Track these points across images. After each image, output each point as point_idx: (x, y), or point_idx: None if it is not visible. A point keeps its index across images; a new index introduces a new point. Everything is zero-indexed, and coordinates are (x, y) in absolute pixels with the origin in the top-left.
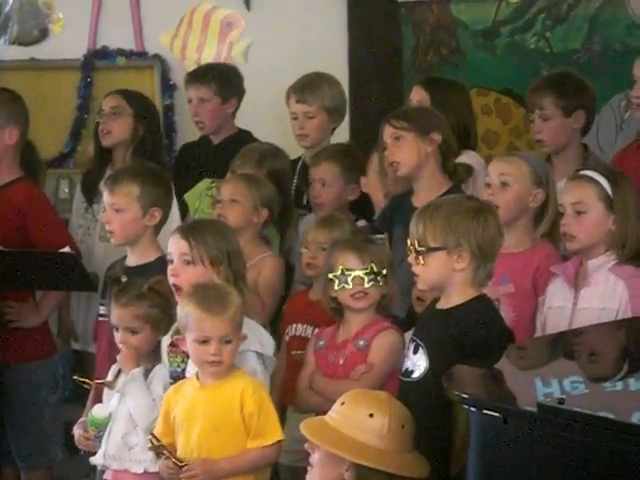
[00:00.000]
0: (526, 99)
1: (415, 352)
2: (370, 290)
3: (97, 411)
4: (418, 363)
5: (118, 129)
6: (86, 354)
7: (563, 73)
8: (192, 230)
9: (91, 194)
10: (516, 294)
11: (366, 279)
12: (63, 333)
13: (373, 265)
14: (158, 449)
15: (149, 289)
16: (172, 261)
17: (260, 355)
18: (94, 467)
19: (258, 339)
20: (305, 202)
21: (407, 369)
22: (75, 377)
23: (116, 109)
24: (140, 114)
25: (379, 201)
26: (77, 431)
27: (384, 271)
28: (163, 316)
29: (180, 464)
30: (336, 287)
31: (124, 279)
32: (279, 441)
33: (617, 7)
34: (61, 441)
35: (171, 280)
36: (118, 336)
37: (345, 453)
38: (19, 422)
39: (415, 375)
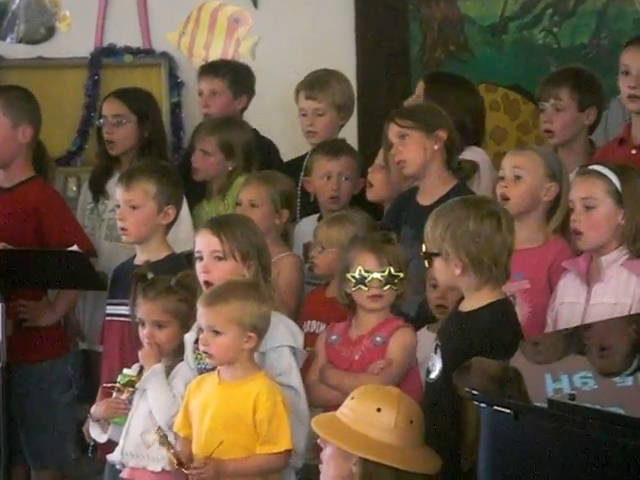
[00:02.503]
0: (539, 88)
1: (435, 352)
2: (386, 293)
3: (127, 370)
4: (435, 364)
5: (124, 139)
6: (93, 353)
7: (579, 68)
8: (222, 226)
9: (98, 193)
10: (531, 289)
11: (384, 282)
12: (70, 333)
13: (391, 268)
14: (162, 440)
15: (177, 283)
16: (201, 258)
17: (293, 350)
18: (104, 466)
19: (291, 333)
20: (313, 199)
21: (428, 368)
22: (104, 385)
23: (119, 118)
24: (143, 116)
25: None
26: (104, 404)
27: (401, 274)
28: (191, 312)
29: (177, 460)
30: (353, 288)
31: (150, 276)
32: (288, 450)
33: (625, 2)
34: (74, 440)
35: (202, 277)
36: (144, 332)
37: (351, 447)
38: (32, 421)
39: (432, 376)
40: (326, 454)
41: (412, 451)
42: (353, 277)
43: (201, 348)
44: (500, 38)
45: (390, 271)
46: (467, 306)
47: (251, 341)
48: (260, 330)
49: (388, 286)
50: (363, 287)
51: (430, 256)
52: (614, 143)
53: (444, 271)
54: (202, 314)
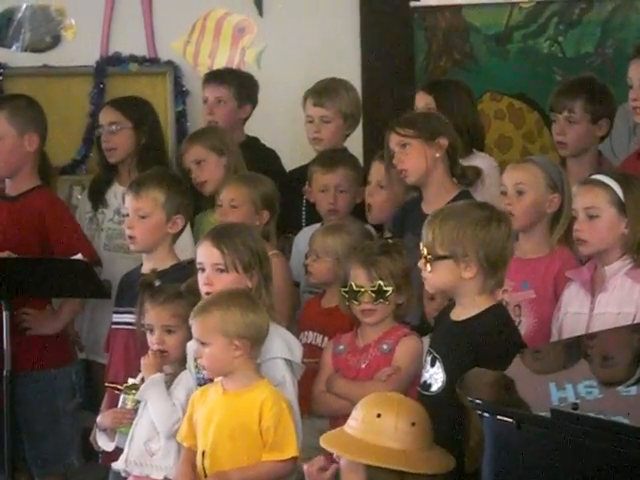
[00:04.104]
0: (552, 99)
1: (432, 365)
2: (378, 307)
3: (131, 380)
4: (436, 376)
5: (121, 145)
6: (94, 363)
7: (592, 79)
8: (222, 237)
9: (97, 202)
10: (537, 299)
11: (374, 297)
12: (69, 343)
13: (381, 283)
14: None
15: (187, 289)
16: (203, 270)
17: (289, 362)
18: (108, 473)
19: (287, 345)
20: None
21: (425, 382)
22: (107, 384)
23: (115, 125)
24: (139, 123)
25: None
26: (110, 414)
27: (390, 289)
28: None
29: None
30: (346, 302)
31: (157, 283)
32: (294, 457)
33: (630, 11)
34: (78, 448)
35: (204, 289)
36: (153, 338)
37: (353, 455)
38: (36, 429)
39: (434, 389)
40: (341, 470)
41: (417, 453)
42: (345, 292)
43: (198, 361)
44: (505, 47)
45: (380, 286)
46: (462, 314)
47: (240, 349)
48: (251, 337)
49: (379, 301)
50: (355, 301)
51: (436, 259)
52: (633, 156)
53: (448, 275)
54: (191, 325)
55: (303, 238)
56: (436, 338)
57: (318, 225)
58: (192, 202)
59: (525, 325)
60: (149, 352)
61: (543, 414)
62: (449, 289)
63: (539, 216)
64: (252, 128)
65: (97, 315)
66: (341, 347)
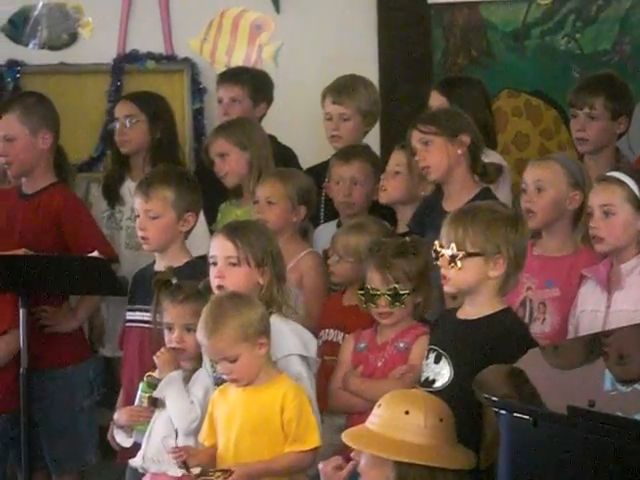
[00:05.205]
0: (572, 95)
1: (437, 361)
2: (394, 310)
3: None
4: (441, 372)
5: (135, 137)
6: (115, 360)
7: (612, 76)
8: (237, 231)
9: (112, 199)
10: (561, 298)
11: (389, 300)
12: (94, 338)
13: (396, 286)
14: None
15: (205, 287)
16: (215, 263)
17: (304, 358)
18: (124, 471)
19: (301, 341)
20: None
21: (427, 378)
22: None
23: (130, 117)
24: (154, 117)
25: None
26: (127, 412)
27: (407, 292)
28: None
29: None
30: (363, 305)
31: (174, 281)
32: (316, 447)
33: None
34: (95, 445)
35: (216, 282)
36: (172, 336)
37: (383, 452)
38: (54, 426)
39: (438, 384)
40: (362, 465)
41: (446, 448)
42: (362, 294)
43: (226, 377)
44: (522, 44)
45: (396, 289)
46: (473, 313)
47: (264, 346)
48: (266, 330)
49: (395, 305)
50: (371, 304)
51: (467, 256)
52: None
53: (476, 273)
54: (208, 348)
55: (321, 234)
56: (440, 336)
57: (335, 222)
58: (202, 197)
59: (549, 323)
60: (163, 349)
61: (560, 411)
62: (471, 288)
63: (560, 213)
64: (269, 126)
65: (114, 311)
66: (362, 345)
